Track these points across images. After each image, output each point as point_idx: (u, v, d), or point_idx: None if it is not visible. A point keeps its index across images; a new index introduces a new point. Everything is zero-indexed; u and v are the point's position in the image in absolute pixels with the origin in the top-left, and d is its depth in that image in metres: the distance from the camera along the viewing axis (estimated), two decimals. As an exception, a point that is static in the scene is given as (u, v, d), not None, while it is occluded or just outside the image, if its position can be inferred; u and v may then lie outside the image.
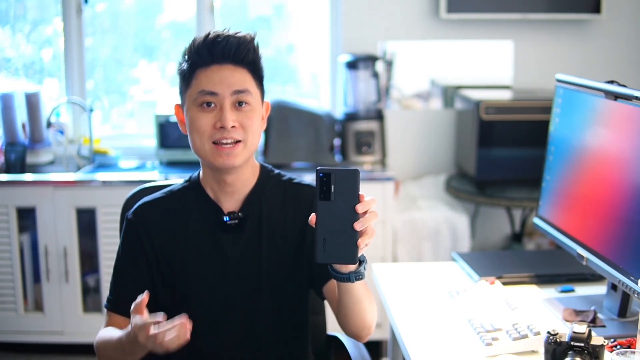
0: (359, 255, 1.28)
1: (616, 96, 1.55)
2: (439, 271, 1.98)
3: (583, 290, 1.81)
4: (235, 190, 1.55)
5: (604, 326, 1.58)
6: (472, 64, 3.54)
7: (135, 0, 3.68)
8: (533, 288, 1.83)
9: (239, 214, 1.54)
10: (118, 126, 3.76)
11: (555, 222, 1.81)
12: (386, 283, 1.90)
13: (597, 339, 1.30)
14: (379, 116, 3.31)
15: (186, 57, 1.51)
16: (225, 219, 1.54)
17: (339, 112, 3.41)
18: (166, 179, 2.70)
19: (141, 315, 1.29)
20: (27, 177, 3.15)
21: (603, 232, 1.59)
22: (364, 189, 1.23)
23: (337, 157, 3.29)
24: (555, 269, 1.90)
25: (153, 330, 1.26)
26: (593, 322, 1.58)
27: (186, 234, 1.55)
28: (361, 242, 1.26)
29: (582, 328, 1.30)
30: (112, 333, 1.44)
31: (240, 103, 1.49)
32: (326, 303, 1.69)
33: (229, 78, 1.48)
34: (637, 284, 1.43)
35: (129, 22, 3.71)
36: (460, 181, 3.38)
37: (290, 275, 1.57)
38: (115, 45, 3.72)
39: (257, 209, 1.55)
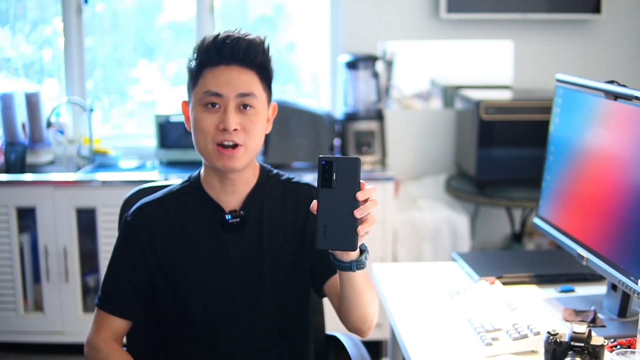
0: (360, 243, 1.28)
1: (616, 96, 1.55)
2: (439, 271, 1.98)
3: (583, 290, 1.80)
4: (236, 190, 1.55)
5: (604, 326, 1.57)
6: (472, 64, 3.54)
7: (135, 0, 3.68)
8: (533, 288, 1.83)
9: (241, 212, 1.55)
10: (118, 126, 3.75)
11: (555, 222, 1.81)
12: (386, 283, 1.90)
13: (597, 339, 1.30)
14: (379, 116, 3.31)
15: (195, 55, 1.51)
16: (227, 218, 1.54)
17: (339, 112, 3.40)
18: (166, 179, 2.70)
19: None
20: (27, 177, 3.15)
21: (603, 232, 1.59)
22: (365, 189, 1.24)
23: (337, 157, 3.29)
24: (555, 269, 1.90)
25: None
26: (593, 322, 1.58)
27: (187, 233, 1.55)
28: (361, 229, 1.26)
29: (582, 328, 1.30)
30: None
31: (244, 106, 1.49)
32: (326, 303, 1.69)
33: (235, 80, 1.48)
34: (637, 284, 1.43)
35: (128, 22, 3.71)
36: (460, 181, 3.38)
37: (292, 273, 1.57)
38: (115, 45, 3.72)
39: (258, 208, 1.56)
